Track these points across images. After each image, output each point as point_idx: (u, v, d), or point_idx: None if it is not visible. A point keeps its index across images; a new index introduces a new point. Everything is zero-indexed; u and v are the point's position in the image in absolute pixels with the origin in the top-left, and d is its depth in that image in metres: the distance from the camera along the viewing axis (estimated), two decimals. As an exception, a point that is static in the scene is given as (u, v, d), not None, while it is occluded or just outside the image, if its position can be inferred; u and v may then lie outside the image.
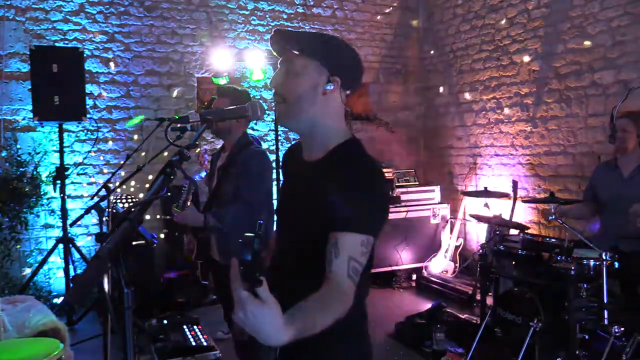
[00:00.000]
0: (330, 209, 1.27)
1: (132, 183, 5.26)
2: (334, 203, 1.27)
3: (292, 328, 1.05)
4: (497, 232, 3.85)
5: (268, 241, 2.97)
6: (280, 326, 1.03)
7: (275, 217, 1.62)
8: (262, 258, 1.04)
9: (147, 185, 5.20)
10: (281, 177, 1.74)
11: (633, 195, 3.27)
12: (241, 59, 5.75)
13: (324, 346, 1.32)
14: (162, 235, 5.28)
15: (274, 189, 3.01)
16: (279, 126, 5.65)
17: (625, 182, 3.40)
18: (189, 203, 2.62)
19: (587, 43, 4.62)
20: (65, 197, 4.47)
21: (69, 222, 4.43)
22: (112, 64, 5.30)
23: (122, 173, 4.66)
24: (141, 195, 5.23)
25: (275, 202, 2.64)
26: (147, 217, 5.12)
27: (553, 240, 3.37)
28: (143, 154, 4.60)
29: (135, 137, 5.34)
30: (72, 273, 4.49)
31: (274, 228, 2.84)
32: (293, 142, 1.64)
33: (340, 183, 1.30)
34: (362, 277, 1.30)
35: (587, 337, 2.90)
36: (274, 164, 4.10)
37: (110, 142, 5.30)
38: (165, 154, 2.82)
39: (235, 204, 2.64)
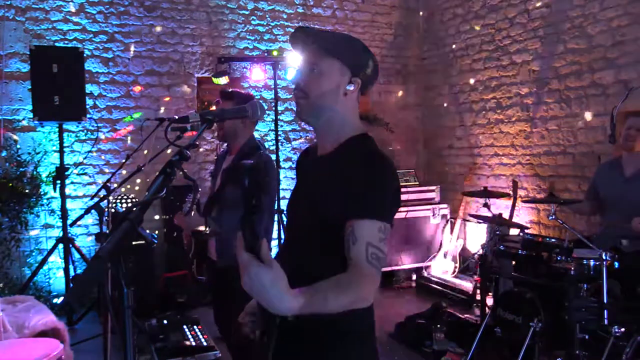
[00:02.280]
0: (344, 197, 1.28)
1: (133, 183, 5.25)
2: (349, 191, 1.28)
3: (300, 296, 1.05)
4: (497, 232, 3.85)
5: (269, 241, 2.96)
6: (286, 290, 1.03)
7: (285, 217, 1.67)
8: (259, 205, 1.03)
9: (148, 183, 5.20)
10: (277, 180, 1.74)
11: (634, 195, 3.27)
12: (241, 59, 5.75)
13: (328, 338, 1.33)
14: (162, 235, 5.28)
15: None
16: (278, 126, 5.66)
17: (627, 182, 3.41)
18: (194, 209, 2.63)
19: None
20: (65, 197, 4.47)
21: (69, 222, 4.43)
22: (120, 57, 5.30)
23: (123, 172, 4.65)
24: (134, 193, 5.23)
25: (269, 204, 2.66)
26: (149, 217, 5.12)
27: (553, 240, 3.37)
28: (145, 151, 4.60)
29: (129, 139, 5.33)
30: (72, 273, 4.49)
31: (274, 227, 2.85)
32: (308, 145, 1.65)
33: (354, 172, 1.31)
34: None
35: (587, 337, 2.90)
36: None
37: (120, 141, 5.30)
38: (169, 151, 2.83)
39: (237, 210, 2.63)
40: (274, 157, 5.43)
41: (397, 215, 5.58)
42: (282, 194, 5.69)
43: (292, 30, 1.46)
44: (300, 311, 1.06)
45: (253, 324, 1.49)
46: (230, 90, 2.87)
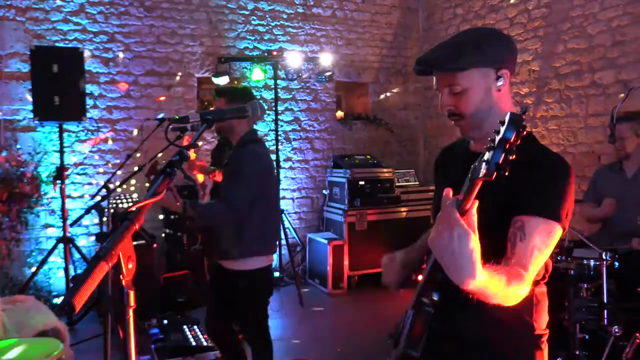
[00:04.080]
0: (520, 193, 1.23)
1: (133, 183, 5.25)
2: (524, 188, 1.23)
3: (482, 275, 1.00)
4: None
5: (279, 238, 2.94)
6: (477, 264, 0.98)
7: (432, 215, 1.59)
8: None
9: (147, 185, 5.20)
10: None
11: (636, 194, 3.30)
12: (241, 59, 5.75)
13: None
14: (162, 235, 5.28)
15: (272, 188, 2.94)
16: (278, 126, 5.66)
17: (628, 182, 3.44)
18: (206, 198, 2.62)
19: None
20: (65, 197, 4.47)
21: (69, 222, 4.43)
22: (120, 54, 5.30)
23: (136, 169, 4.65)
24: (133, 193, 5.23)
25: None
26: (150, 217, 5.12)
27: (553, 240, 3.36)
28: (145, 150, 4.60)
29: (135, 131, 5.33)
30: (72, 273, 4.49)
31: (279, 225, 2.82)
32: (447, 145, 1.65)
33: (536, 168, 1.26)
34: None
35: (587, 337, 2.90)
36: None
37: (110, 142, 5.30)
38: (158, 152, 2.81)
39: (217, 201, 2.63)
40: (274, 157, 5.44)
41: (397, 215, 5.51)
42: (281, 194, 5.69)
43: (415, 64, 1.42)
44: (476, 287, 1.02)
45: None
46: (224, 86, 2.86)
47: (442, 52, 1.37)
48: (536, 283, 1.32)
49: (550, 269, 1.38)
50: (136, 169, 2.80)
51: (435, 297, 1.24)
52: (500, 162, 0.90)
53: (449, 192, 1.05)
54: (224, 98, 2.73)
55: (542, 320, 1.37)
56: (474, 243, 0.97)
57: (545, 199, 1.22)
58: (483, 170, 0.93)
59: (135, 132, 5.33)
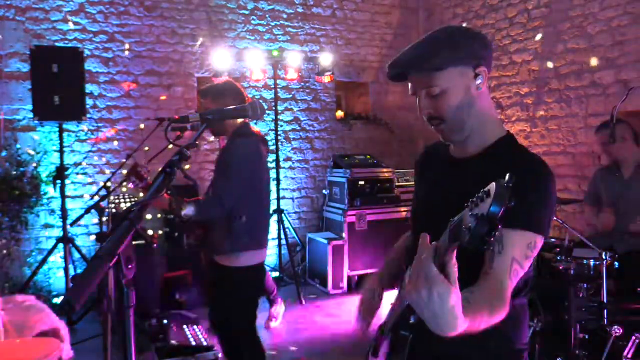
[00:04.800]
0: None
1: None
2: None
3: (464, 323, 0.94)
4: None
5: (269, 232, 2.95)
6: (460, 318, 0.92)
7: (412, 221, 1.53)
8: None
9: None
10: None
11: (633, 195, 3.30)
12: (241, 59, 5.75)
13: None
14: (162, 234, 5.27)
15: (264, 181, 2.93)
16: (278, 126, 5.66)
17: (626, 183, 3.44)
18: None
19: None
20: (66, 197, 4.47)
21: (69, 222, 4.43)
22: (127, 49, 5.30)
23: (123, 172, 4.65)
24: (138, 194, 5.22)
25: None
26: (150, 217, 5.12)
27: (553, 240, 3.37)
28: (146, 149, 4.60)
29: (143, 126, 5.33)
30: (72, 273, 4.49)
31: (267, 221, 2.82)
32: (429, 145, 1.56)
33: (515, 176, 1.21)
34: (522, 293, 1.22)
35: (587, 337, 2.90)
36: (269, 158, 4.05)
37: (116, 143, 5.30)
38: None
39: (205, 196, 2.67)
40: (274, 156, 5.44)
41: (397, 215, 5.51)
42: (281, 194, 5.69)
43: (388, 66, 1.36)
44: (459, 332, 0.96)
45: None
46: (207, 86, 2.85)
47: (416, 52, 1.31)
48: (515, 295, 1.24)
49: (530, 283, 1.33)
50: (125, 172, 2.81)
51: (412, 321, 1.19)
52: (486, 235, 0.83)
53: (425, 238, 0.97)
54: (209, 98, 2.74)
55: (522, 335, 1.34)
56: (456, 298, 0.90)
57: (523, 210, 1.12)
58: (467, 238, 0.84)
59: (142, 125, 5.32)
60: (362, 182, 5.57)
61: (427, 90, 1.30)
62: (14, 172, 4.70)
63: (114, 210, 4.16)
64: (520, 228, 1.16)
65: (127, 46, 5.33)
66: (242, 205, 2.61)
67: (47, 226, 4.99)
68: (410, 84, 1.35)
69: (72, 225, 3.85)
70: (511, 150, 1.31)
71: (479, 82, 1.29)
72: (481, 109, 1.32)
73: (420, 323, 1.02)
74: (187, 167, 5.14)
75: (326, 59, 5.63)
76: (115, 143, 5.31)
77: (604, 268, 2.82)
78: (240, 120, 2.72)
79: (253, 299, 2.78)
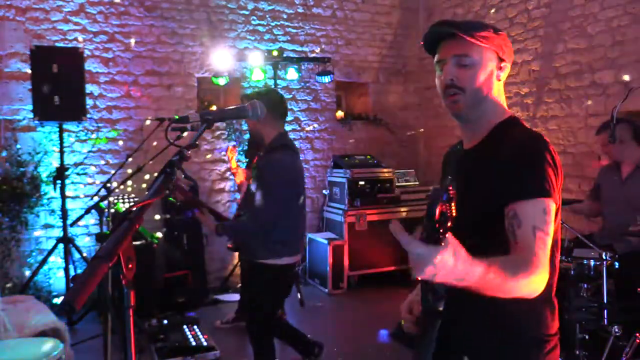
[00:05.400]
0: (502, 182, 1.23)
1: (133, 183, 5.25)
2: (505, 174, 1.23)
3: (481, 265, 1.01)
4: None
5: (304, 241, 3.14)
6: (468, 260, 0.99)
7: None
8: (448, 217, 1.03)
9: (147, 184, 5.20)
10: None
11: (628, 195, 3.32)
12: (241, 59, 5.75)
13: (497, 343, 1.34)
14: (161, 235, 5.27)
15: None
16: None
17: (622, 183, 3.46)
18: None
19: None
20: (65, 197, 4.47)
21: (69, 222, 4.43)
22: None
23: (128, 171, 4.65)
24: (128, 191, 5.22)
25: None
26: (150, 217, 5.12)
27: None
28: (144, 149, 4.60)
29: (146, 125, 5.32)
30: (72, 273, 4.49)
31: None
32: (452, 145, 1.62)
33: (508, 154, 1.26)
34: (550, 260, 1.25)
35: (587, 337, 2.90)
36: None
37: (120, 143, 5.29)
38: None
39: (247, 218, 2.78)
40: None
41: (397, 215, 5.51)
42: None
43: (432, 26, 1.38)
44: (479, 281, 1.02)
45: (414, 320, 1.50)
46: (253, 91, 3.00)
47: (466, 21, 1.40)
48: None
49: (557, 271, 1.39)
50: (130, 171, 2.82)
51: (441, 292, 1.23)
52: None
53: (397, 225, 1.05)
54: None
55: (546, 325, 1.42)
56: (452, 250, 0.97)
57: (526, 180, 1.22)
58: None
59: (148, 122, 5.31)
60: (362, 182, 5.57)
61: (458, 59, 1.34)
62: (14, 172, 4.70)
63: (113, 210, 4.16)
64: (526, 199, 1.21)
65: (128, 44, 5.33)
66: (277, 219, 2.68)
67: (47, 226, 4.98)
68: (440, 52, 1.38)
69: (72, 225, 3.84)
70: (508, 131, 1.35)
71: (501, 72, 1.37)
72: (496, 97, 1.39)
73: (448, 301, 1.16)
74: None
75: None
76: (120, 143, 5.31)
77: (604, 268, 2.82)
78: (272, 127, 2.75)
79: (279, 294, 2.88)
